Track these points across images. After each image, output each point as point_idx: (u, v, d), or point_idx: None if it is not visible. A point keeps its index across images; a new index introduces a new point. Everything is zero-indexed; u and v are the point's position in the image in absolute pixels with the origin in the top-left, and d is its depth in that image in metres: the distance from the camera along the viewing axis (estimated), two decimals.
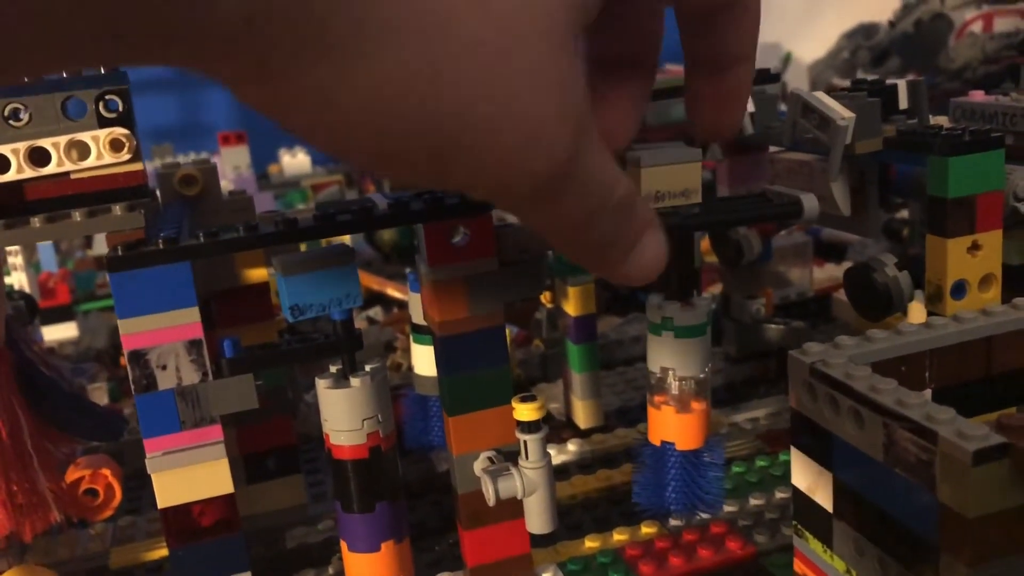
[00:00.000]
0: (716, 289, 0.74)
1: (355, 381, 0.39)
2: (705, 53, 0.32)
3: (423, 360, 0.57)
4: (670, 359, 0.44)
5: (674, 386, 0.45)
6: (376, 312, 0.88)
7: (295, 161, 1.02)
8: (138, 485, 0.58)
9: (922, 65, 1.46)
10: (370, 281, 0.90)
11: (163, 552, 0.50)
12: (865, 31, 1.56)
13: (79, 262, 1.14)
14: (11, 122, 0.40)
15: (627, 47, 0.33)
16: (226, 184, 1.02)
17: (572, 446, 0.58)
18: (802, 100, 0.47)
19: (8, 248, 0.73)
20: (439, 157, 0.23)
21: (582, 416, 0.60)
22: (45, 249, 0.99)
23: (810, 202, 0.44)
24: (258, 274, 0.50)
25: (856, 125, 0.46)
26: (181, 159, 1.19)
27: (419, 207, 0.40)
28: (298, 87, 0.21)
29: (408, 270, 0.52)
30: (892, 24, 1.51)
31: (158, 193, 0.48)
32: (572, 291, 0.58)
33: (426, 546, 0.50)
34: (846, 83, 1.42)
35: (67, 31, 0.18)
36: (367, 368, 0.40)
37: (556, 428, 0.61)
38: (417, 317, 0.57)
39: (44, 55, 0.19)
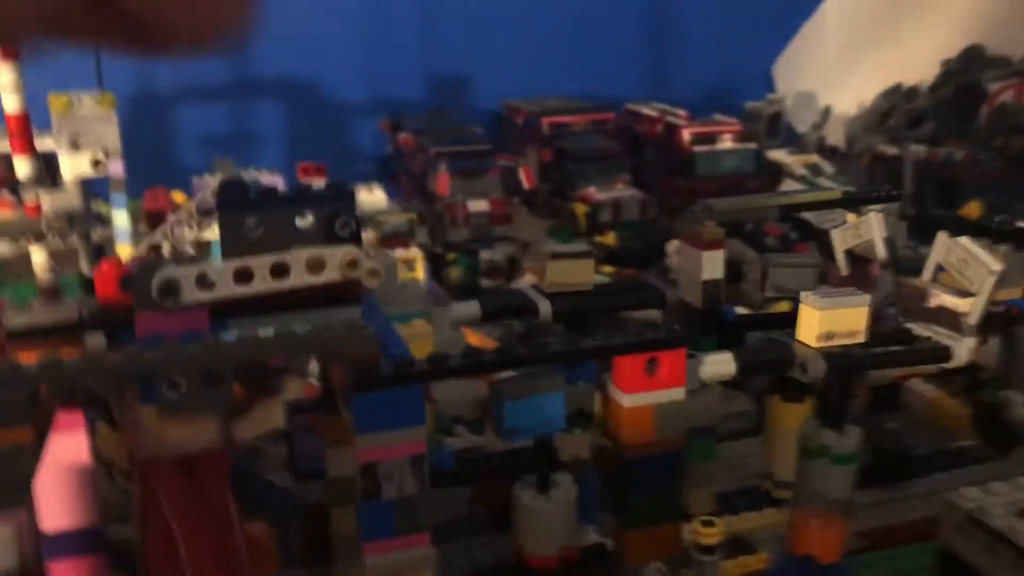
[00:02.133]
0: None
1: (557, 494, 0.43)
2: None
3: None
4: (823, 482, 0.48)
5: (824, 505, 0.49)
6: None
7: (372, 197, 1.05)
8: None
9: (955, 132, 1.50)
10: (471, 337, 0.93)
11: None
12: (906, 94, 1.61)
13: None
14: (249, 234, 0.43)
15: None
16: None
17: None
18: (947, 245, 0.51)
19: None
20: None
21: (694, 503, 0.63)
22: None
23: (960, 347, 0.47)
24: None
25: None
26: (242, 172, 1.22)
27: (622, 342, 0.43)
28: None
29: None
30: (932, 90, 1.56)
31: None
32: None
33: None
34: (893, 150, 1.45)
35: None
36: (562, 483, 0.44)
37: None
38: None
39: None
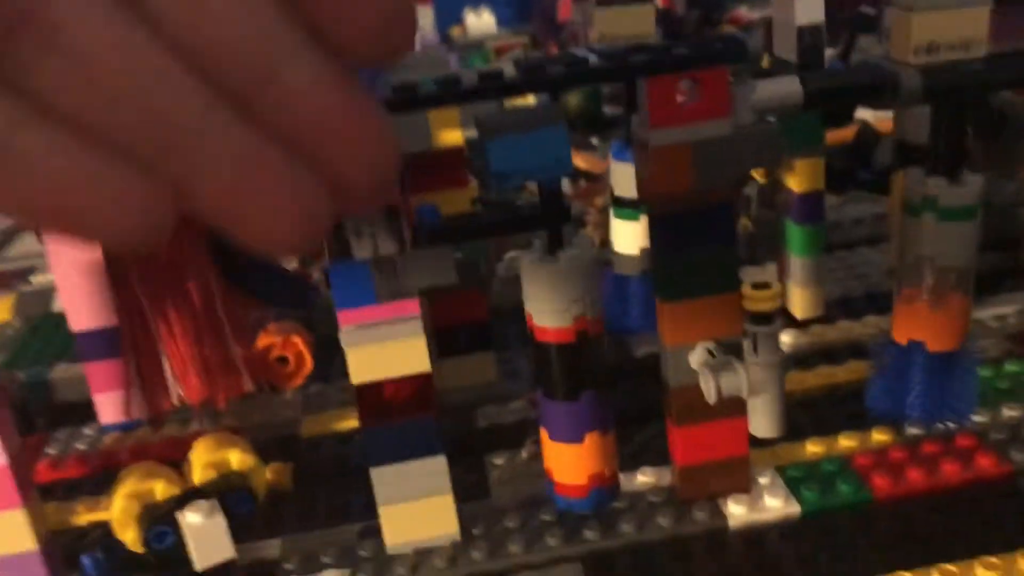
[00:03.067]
0: None
1: (563, 258, 0.35)
2: None
3: (624, 237, 0.52)
4: (930, 246, 0.38)
5: (931, 277, 0.38)
6: (564, 184, 0.83)
7: (480, 21, 0.97)
8: (328, 353, 0.57)
9: None
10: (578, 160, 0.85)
11: (353, 423, 0.49)
12: None
13: None
14: None
15: None
16: None
17: (788, 338, 0.52)
18: None
19: None
20: None
21: (800, 305, 0.53)
22: None
23: None
24: (453, 137, 0.46)
25: None
26: None
27: (642, 59, 0.34)
28: None
29: (597, 140, 0.47)
30: None
31: None
32: (799, 164, 0.51)
33: (624, 436, 0.46)
34: None
35: None
36: (575, 243, 0.36)
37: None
38: (620, 189, 0.52)
39: None
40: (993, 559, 0.35)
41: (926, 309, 0.38)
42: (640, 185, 0.36)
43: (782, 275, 0.56)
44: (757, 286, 0.35)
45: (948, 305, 0.38)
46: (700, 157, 0.35)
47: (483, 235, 0.37)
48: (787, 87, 0.35)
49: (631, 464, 0.43)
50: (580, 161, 0.88)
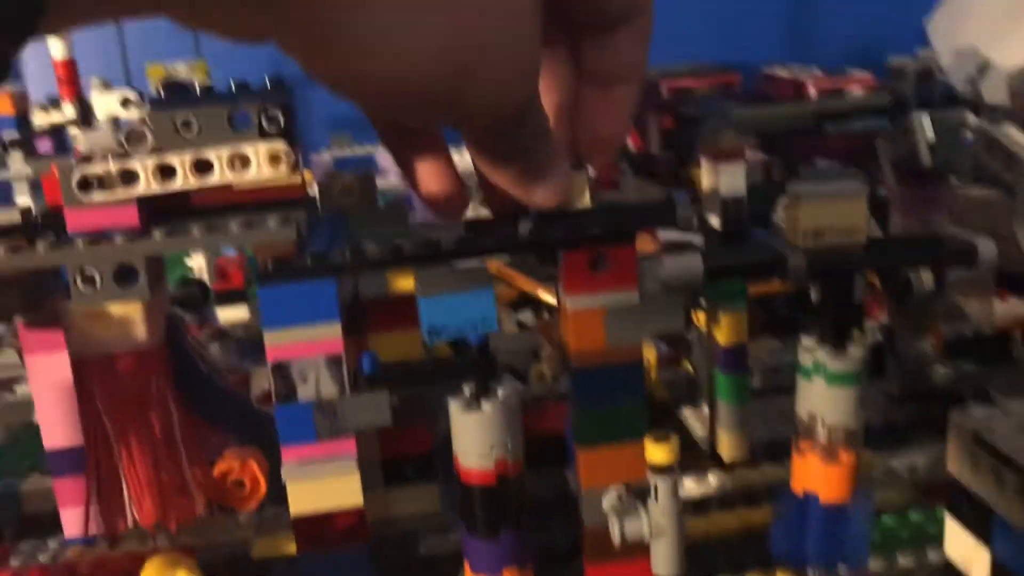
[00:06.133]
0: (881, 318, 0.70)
1: (487, 406, 0.39)
2: (597, 66, 0.35)
3: None
4: (820, 405, 0.42)
5: (822, 434, 0.42)
6: (527, 317, 0.88)
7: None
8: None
9: None
10: (522, 283, 0.90)
11: None
12: None
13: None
14: (182, 133, 0.42)
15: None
16: (391, 181, 1.05)
17: (713, 478, 0.56)
18: (988, 134, 0.43)
19: None
20: (457, 88, 0.27)
21: (727, 447, 0.57)
22: None
23: (987, 248, 0.40)
24: (407, 284, 0.51)
25: None
26: (359, 150, 1.24)
27: (558, 234, 0.39)
28: (353, 36, 0.25)
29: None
30: None
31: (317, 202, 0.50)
32: (724, 317, 0.55)
33: (551, 570, 0.49)
34: None
35: None
36: (499, 392, 0.40)
37: (697, 457, 0.59)
38: None
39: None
40: None
41: (818, 462, 0.42)
42: (564, 339, 0.41)
43: (713, 418, 0.60)
44: (658, 438, 0.39)
45: (839, 460, 0.42)
46: (611, 322, 0.40)
47: (416, 384, 0.41)
48: (689, 264, 0.40)
49: None
50: (544, 293, 0.93)
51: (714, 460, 0.59)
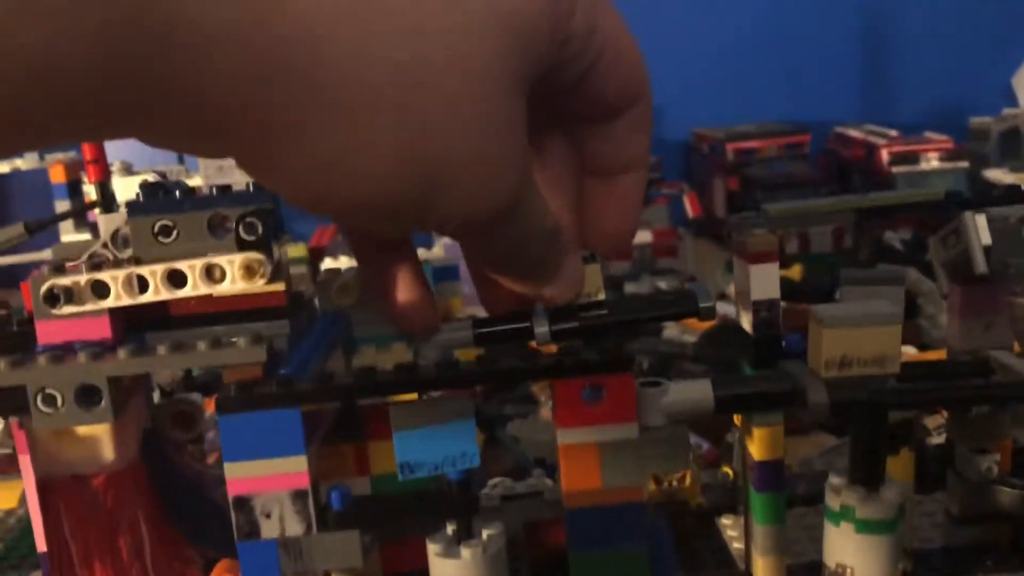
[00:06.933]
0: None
1: (466, 552, 0.35)
2: (599, 159, 0.34)
3: None
4: (849, 556, 0.37)
5: None
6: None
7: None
8: None
9: None
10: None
11: None
12: None
13: None
14: (160, 238, 0.40)
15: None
16: None
17: None
18: None
19: None
20: (424, 202, 0.26)
21: (761, 573, 0.52)
22: None
23: None
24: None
25: None
26: None
27: (547, 362, 0.35)
28: (306, 158, 0.24)
29: None
30: None
31: (316, 303, 0.47)
32: (758, 432, 0.50)
33: None
34: None
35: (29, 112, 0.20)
36: (484, 534, 0.36)
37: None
38: None
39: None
40: None
41: None
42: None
43: (747, 537, 0.54)
44: None
45: None
46: (607, 457, 0.36)
47: (390, 522, 0.38)
48: (698, 393, 0.36)
49: None
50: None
51: None
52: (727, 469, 0.63)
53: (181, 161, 1.00)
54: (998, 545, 0.54)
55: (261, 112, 0.23)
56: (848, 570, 0.37)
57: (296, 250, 1.15)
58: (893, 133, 1.33)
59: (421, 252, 1.00)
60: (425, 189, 0.26)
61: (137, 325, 0.41)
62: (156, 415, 0.46)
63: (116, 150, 0.75)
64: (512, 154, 0.28)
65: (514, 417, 0.77)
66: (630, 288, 1.04)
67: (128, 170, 0.70)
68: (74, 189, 0.98)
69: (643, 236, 1.18)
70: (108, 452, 0.39)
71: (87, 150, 0.66)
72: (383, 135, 0.24)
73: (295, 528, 0.36)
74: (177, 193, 0.40)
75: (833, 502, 0.37)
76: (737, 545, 0.57)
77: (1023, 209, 0.48)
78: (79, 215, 0.89)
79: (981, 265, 0.44)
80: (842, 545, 0.37)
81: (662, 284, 1.10)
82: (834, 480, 0.37)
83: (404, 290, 0.34)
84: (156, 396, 0.62)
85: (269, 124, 0.23)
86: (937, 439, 0.67)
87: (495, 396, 0.82)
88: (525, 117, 0.28)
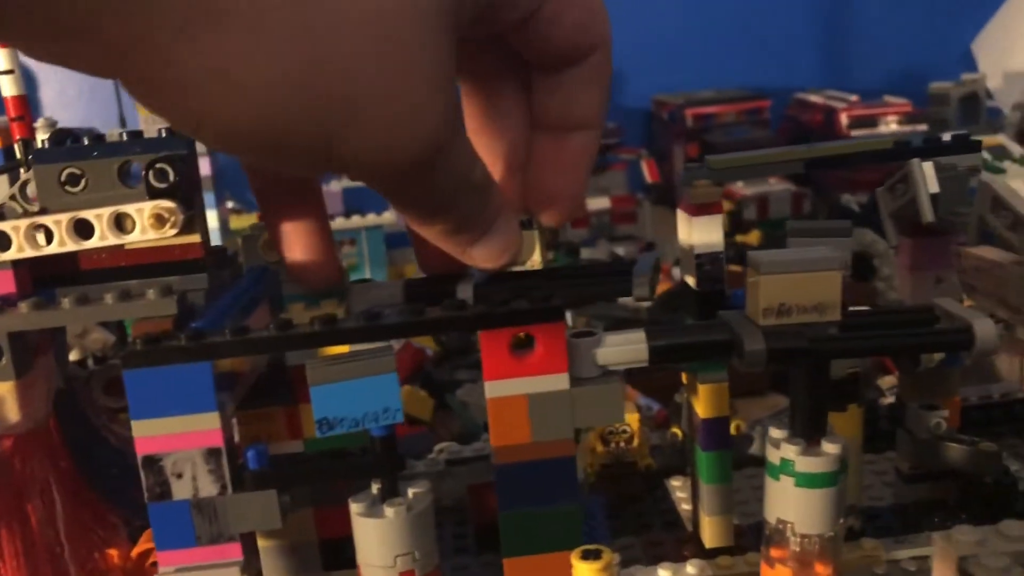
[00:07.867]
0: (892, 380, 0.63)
1: (389, 511, 0.34)
2: (548, 113, 0.31)
3: None
4: (789, 510, 0.36)
5: (793, 542, 0.36)
6: None
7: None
8: None
9: None
10: None
11: None
12: None
13: None
14: (67, 188, 0.38)
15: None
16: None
17: (691, 568, 0.49)
18: (992, 192, 0.37)
19: None
20: (327, 136, 0.24)
21: (708, 533, 0.51)
22: None
23: (985, 330, 0.34)
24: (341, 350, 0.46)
25: None
26: None
27: (477, 311, 0.33)
28: (188, 65, 0.21)
29: None
30: None
31: (240, 259, 0.45)
32: (703, 389, 0.49)
33: None
34: None
35: None
36: (409, 493, 0.35)
37: (681, 541, 0.53)
38: None
39: None
40: None
41: (789, 574, 0.36)
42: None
43: (694, 498, 0.53)
44: (586, 555, 0.33)
45: (814, 573, 0.36)
46: (537, 410, 0.34)
47: (309, 481, 0.36)
48: (632, 343, 0.34)
49: None
50: None
51: (696, 545, 0.52)
52: (676, 430, 0.61)
53: (123, 125, 0.97)
54: (947, 501, 0.54)
55: (141, 6, 0.20)
56: (788, 525, 0.36)
57: (247, 219, 1.12)
58: (853, 98, 1.33)
59: (374, 217, 0.98)
60: (319, 120, 0.24)
61: (46, 281, 0.39)
62: (88, 382, 0.44)
63: (44, 109, 0.72)
64: (433, 94, 0.25)
65: (464, 383, 0.75)
66: (586, 254, 1.02)
67: (53, 126, 0.68)
68: (9, 154, 0.94)
69: (601, 202, 1.16)
70: (12, 413, 0.37)
71: (10, 107, 0.63)
72: (273, 47, 0.22)
73: (209, 488, 0.34)
74: (85, 140, 0.38)
75: (773, 456, 0.36)
76: (686, 507, 0.56)
77: (972, 158, 0.47)
78: (9, 172, 0.86)
79: (928, 214, 0.43)
80: (783, 500, 0.36)
81: (620, 251, 1.08)
82: (774, 433, 0.36)
83: (305, 242, 0.32)
84: (90, 363, 0.60)
85: (149, 24, 0.21)
86: (890, 399, 0.67)
87: (446, 362, 0.81)
88: (453, 56, 0.26)
